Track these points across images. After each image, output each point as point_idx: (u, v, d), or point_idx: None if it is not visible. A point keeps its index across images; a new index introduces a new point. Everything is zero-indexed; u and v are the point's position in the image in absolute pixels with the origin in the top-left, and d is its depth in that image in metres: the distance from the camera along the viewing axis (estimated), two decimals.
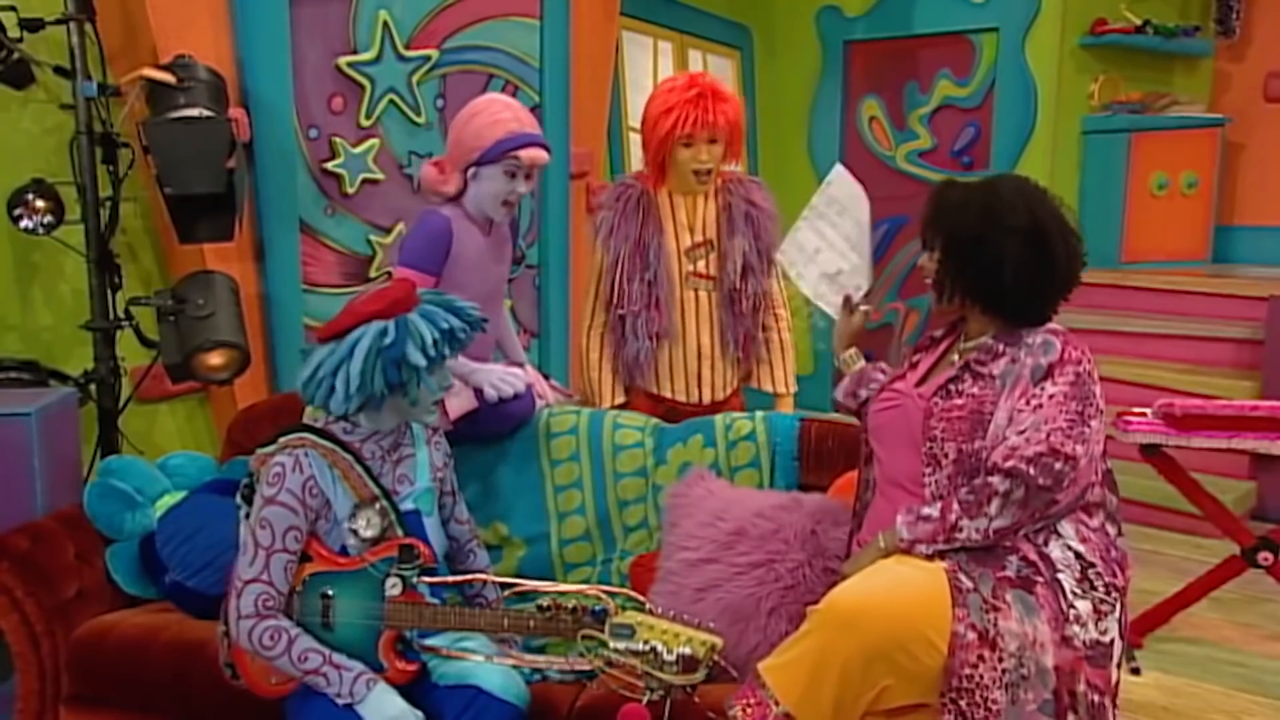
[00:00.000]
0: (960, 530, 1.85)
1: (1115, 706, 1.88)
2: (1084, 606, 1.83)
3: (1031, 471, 1.81)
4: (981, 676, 1.76)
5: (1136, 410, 3.29)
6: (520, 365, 2.87)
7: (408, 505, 2.18)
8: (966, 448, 1.91)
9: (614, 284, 2.98)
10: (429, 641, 2.08)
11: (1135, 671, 3.19)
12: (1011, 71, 5.64)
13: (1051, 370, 1.89)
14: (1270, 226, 6.00)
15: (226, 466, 2.82)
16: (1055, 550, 1.87)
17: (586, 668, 2.00)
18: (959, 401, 1.94)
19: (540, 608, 2.01)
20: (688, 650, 1.88)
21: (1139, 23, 5.60)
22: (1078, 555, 1.87)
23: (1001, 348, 1.96)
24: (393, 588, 2.04)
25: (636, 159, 5.26)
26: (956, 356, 2.05)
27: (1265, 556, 3.18)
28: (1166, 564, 3.94)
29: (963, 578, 1.83)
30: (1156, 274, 5.38)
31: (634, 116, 5.13)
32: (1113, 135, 5.58)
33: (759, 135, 6.27)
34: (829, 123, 6.24)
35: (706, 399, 3.06)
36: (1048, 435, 1.83)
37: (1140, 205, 5.70)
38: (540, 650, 2.20)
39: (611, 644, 1.93)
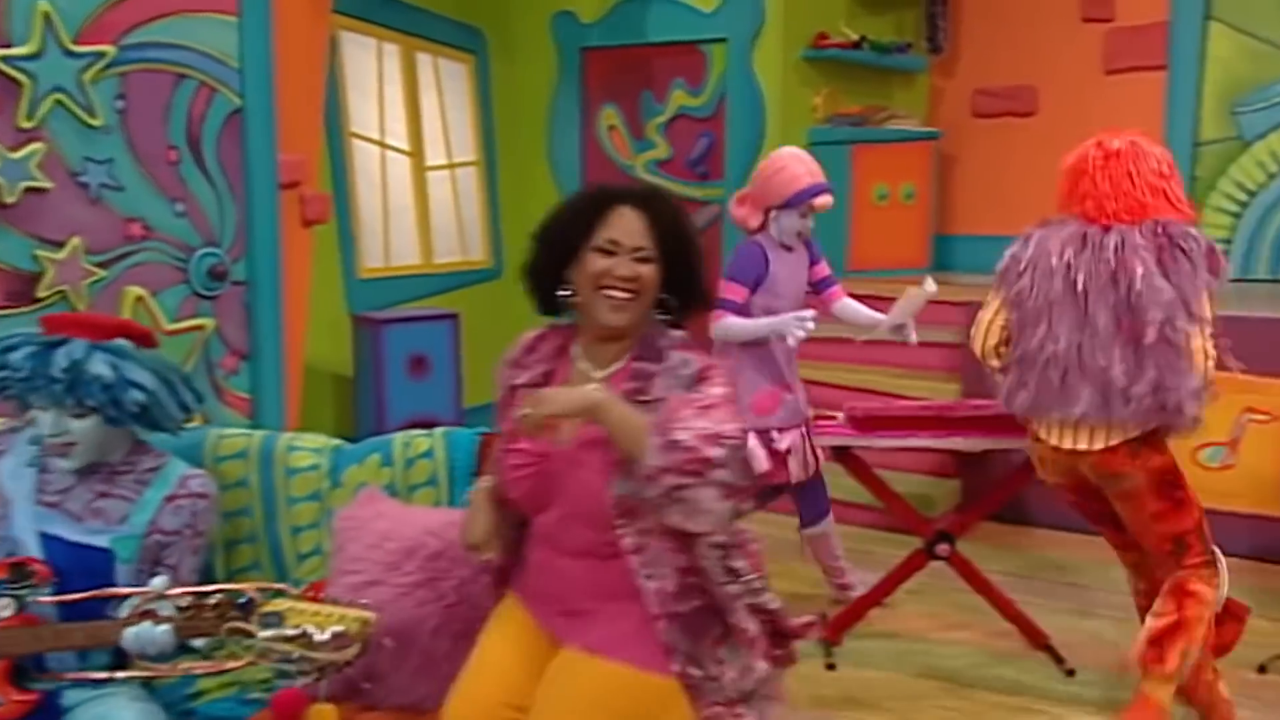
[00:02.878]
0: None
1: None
2: None
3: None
4: None
5: (828, 414, 3.40)
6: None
7: (100, 541, 2.03)
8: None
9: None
10: (58, 668, 1.93)
11: (830, 668, 3.30)
12: (741, 82, 5.77)
13: (701, 376, 1.90)
14: (983, 235, 6.35)
15: None
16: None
17: (236, 665, 1.90)
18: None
19: (180, 608, 1.88)
20: (340, 628, 1.82)
21: (855, 38, 5.80)
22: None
23: (648, 369, 1.94)
24: (3, 609, 1.87)
25: (360, 167, 5.10)
26: (594, 388, 1.92)
27: (943, 548, 3.34)
28: (880, 562, 4.01)
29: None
30: (881, 282, 5.55)
31: (356, 122, 4.96)
32: (835, 147, 5.73)
33: (497, 141, 6.20)
34: (569, 130, 6.22)
35: (1083, 445, 2.75)
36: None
37: (863, 215, 5.91)
38: (206, 657, 2.04)
39: (260, 634, 1.83)
